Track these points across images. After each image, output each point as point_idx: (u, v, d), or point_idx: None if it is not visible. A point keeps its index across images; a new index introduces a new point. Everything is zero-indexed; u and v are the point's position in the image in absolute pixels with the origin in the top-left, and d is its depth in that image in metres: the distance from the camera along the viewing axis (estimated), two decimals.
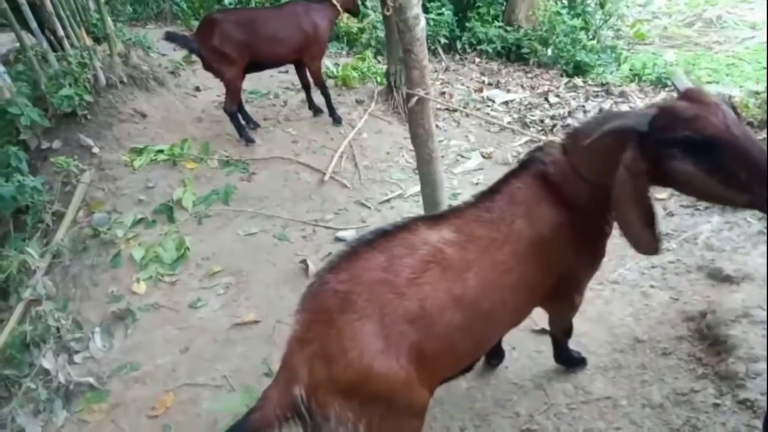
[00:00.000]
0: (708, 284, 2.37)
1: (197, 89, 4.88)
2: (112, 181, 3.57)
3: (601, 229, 1.63)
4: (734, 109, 1.30)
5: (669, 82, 5.09)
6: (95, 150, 3.67)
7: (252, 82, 4.99)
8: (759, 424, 1.71)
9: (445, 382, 1.65)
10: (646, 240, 1.39)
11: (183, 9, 7.48)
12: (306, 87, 4.36)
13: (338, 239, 3.26)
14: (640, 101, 4.74)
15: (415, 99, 2.30)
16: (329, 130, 4.26)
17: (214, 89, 4.87)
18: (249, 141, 4.08)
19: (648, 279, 2.57)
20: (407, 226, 1.48)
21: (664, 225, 2.95)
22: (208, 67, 4.00)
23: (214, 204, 3.56)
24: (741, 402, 1.80)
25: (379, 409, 1.33)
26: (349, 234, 3.27)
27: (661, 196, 3.20)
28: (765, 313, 1.99)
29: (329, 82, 4.68)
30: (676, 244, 2.76)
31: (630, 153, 1.32)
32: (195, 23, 6.64)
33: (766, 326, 1.94)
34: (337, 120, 4.32)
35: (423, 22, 2.26)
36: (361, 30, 6.16)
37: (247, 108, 4.55)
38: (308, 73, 4.23)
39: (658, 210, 3.10)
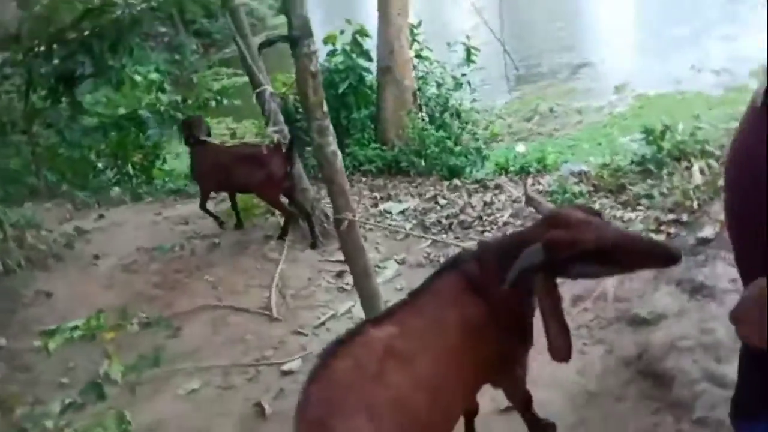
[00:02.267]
0: (631, 330, 2.70)
1: (96, 257, 4.76)
2: (26, 371, 3.34)
3: (522, 312, 1.89)
4: (593, 211, 1.69)
5: (530, 170, 5.85)
6: (2, 342, 3.43)
7: (153, 238, 4.99)
8: None
9: None
10: (560, 344, 1.66)
11: (55, 182, 7.35)
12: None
13: (285, 373, 3.25)
14: (513, 189, 5.35)
15: (345, 223, 2.53)
16: (247, 269, 4.33)
17: (112, 255, 4.78)
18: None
19: (579, 338, 2.86)
20: (358, 331, 1.72)
21: (573, 289, 3.31)
22: None
23: (145, 370, 3.42)
24: (696, 422, 2.06)
25: None
26: (295, 365, 3.28)
27: None
28: (687, 342, 2.32)
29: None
30: (591, 303, 3.11)
31: (539, 283, 1.63)
32: (79, 194, 6.57)
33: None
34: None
35: (340, 156, 2.54)
36: None
37: (154, 266, 4.52)
38: None
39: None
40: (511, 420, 2.48)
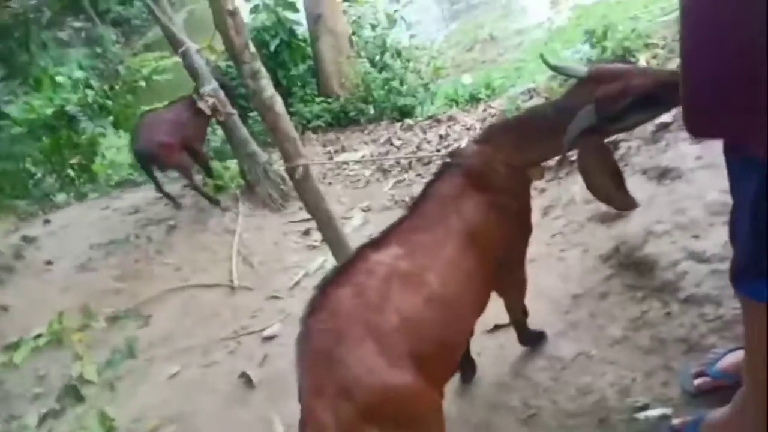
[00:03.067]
0: (604, 228, 2.66)
1: (49, 263, 4.51)
2: None
3: (525, 204, 1.85)
4: (627, 61, 1.62)
5: (480, 97, 5.75)
6: None
7: (106, 232, 4.76)
8: (708, 310, 1.94)
9: (448, 379, 1.68)
10: (623, 198, 1.67)
11: None
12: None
13: (267, 338, 3.14)
14: (466, 119, 5.24)
15: (299, 170, 2.38)
16: (208, 245, 4.16)
17: (65, 257, 4.54)
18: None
19: (556, 246, 2.82)
20: (357, 256, 1.58)
21: (542, 201, 3.26)
22: None
23: (121, 363, 3.27)
24: (684, 301, 2.03)
25: (405, 419, 1.37)
26: (276, 329, 3.18)
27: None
28: (662, 226, 2.28)
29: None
30: (561, 210, 3.07)
31: (592, 140, 1.58)
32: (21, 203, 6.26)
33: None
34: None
35: (280, 100, 2.36)
36: None
37: (112, 260, 4.32)
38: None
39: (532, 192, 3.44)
40: (499, 337, 2.44)
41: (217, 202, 4.62)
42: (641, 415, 1.78)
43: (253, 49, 2.24)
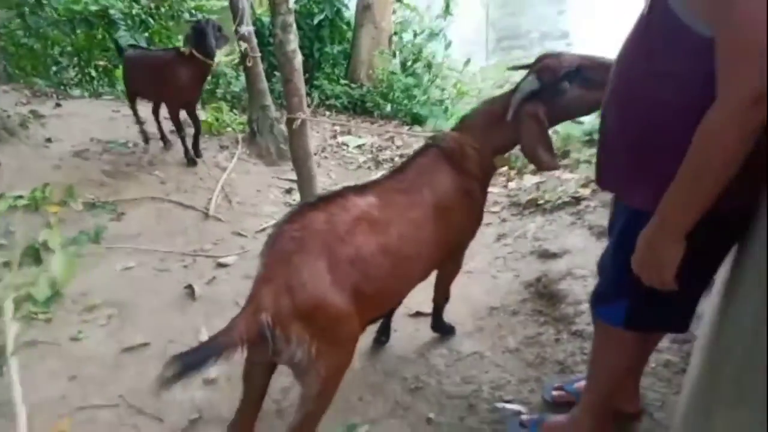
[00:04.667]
0: (540, 262, 2.97)
1: (49, 140, 4.76)
2: None
3: (484, 194, 2.14)
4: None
5: None
6: None
7: (109, 131, 5.01)
8: (587, 345, 2.24)
9: (371, 323, 1.96)
10: (549, 160, 1.94)
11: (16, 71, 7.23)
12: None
13: (221, 265, 3.42)
14: None
15: (298, 121, 2.67)
16: (197, 171, 4.44)
17: (65, 141, 4.80)
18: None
19: (494, 267, 3.13)
20: (339, 193, 1.85)
21: (500, 229, 3.58)
22: None
23: (84, 244, 3.53)
24: (573, 333, 2.34)
25: (327, 333, 1.63)
26: (231, 259, 3.46)
27: (494, 209, 3.87)
28: (582, 271, 2.60)
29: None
30: (512, 240, 3.37)
31: (532, 105, 1.87)
32: (36, 80, 6.47)
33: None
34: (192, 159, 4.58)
35: (300, 56, 2.66)
36: (216, 84, 6.46)
37: (107, 156, 4.58)
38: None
39: (495, 220, 3.76)
40: (417, 322, 2.73)
41: (194, 162, 4.57)
42: (500, 404, 2.08)
43: (292, 4, 2.53)
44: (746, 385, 1.03)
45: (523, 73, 1.99)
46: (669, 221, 1.21)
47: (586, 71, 1.84)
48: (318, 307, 1.60)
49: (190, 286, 3.16)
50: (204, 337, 2.82)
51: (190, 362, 1.47)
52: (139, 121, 4.92)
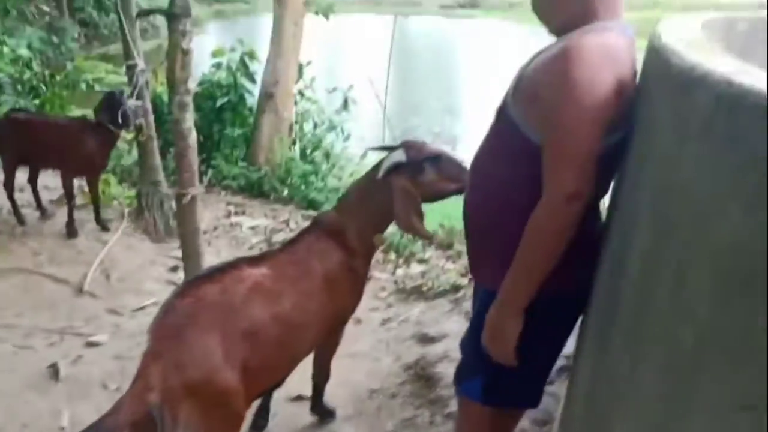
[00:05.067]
0: (419, 345, 3.09)
1: None
2: None
3: (366, 269, 2.26)
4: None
5: None
6: None
7: None
8: None
9: (256, 398, 1.94)
10: (421, 227, 2.09)
11: None
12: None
13: (90, 344, 3.22)
14: None
15: (188, 197, 2.69)
16: (77, 244, 4.22)
17: None
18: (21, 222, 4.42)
19: (376, 350, 3.20)
20: (233, 264, 1.90)
21: (385, 314, 3.69)
22: None
23: None
24: (446, 416, 2.43)
25: (216, 413, 1.61)
26: (103, 338, 3.27)
27: (382, 294, 4.00)
28: (458, 353, 2.73)
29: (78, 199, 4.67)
30: (396, 324, 3.49)
31: (402, 179, 2.04)
32: None
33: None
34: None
35: (194, 133, 2.73)
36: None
37: None
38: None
39: (382, 305, 3.87)
40: (297, 406, 2.71)
41: (76, 234, 4.37)
42: None
43: (191, 86, 2.63)
44: None
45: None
46: (507, 299, 1.39)
47: (443, 162, 2.08)
48: (207, 384, 1.59)
49: (53, 365, 2.94)
50: (65, 421, 2.62)
51: None
52: (13, 197, 4.49)
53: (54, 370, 2.91)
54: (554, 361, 1.62)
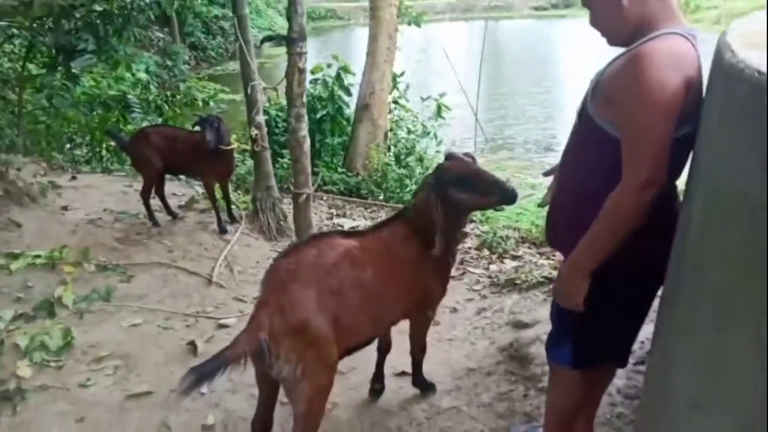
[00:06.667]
0: (513, 331, 3.28)
1: (65, 208, 5.12)
2: None
3: (447, 262, 2.50)
4: (473, 158, 2.37)
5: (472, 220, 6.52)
6: None
7: (121, 203, 5.40)
8: None
9: (345, 355, 2.26)
10: (439, 243, 2.28)
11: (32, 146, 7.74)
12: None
13: (221, 326, 3.69)
14: None
15: (304, 196, 3.07)
16: (203, 242, 4.78)
17: (80, 209, 5.16)
18: (155, 224, 4.99)
19: (473, 335, 3.44)
20: (329, 234, 2.29)
21: (480, 304, 3.91)
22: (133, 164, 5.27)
23: (95, 301, 3.81)
24: (540, 389, 2.62)
25: (310, 353, 1.96)
26: (231, 321, 3.73)
27: (476, 287, 4.22)
28: None
29: (201, 204, 5.28)
30: (491, 313, 3.70)
31: (425, 192, 2.30)
32: (56, 155, 6.92)
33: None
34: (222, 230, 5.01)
35: (308, 141, 3.11)
36: None
37: (118, 225, 4.93)
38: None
39: (476, 297, 4.09)
40: (401, 381, 3.00)
41: (225, 230, 4.98)
42: None
43: (304, 100, 3.01)
44: None
45: None
46: (577, 261, 1.62)
47: (471, 179, 2.24)
48: (303, 327, 1.95)
49: (192, 343, 3.41)
50: (204, 388, 3.06)
51: (204, 372, 1.80)
52: (149, 204, 5.05)
53: (192, 347, 3.39)
54: (638, 326, 1.80)
